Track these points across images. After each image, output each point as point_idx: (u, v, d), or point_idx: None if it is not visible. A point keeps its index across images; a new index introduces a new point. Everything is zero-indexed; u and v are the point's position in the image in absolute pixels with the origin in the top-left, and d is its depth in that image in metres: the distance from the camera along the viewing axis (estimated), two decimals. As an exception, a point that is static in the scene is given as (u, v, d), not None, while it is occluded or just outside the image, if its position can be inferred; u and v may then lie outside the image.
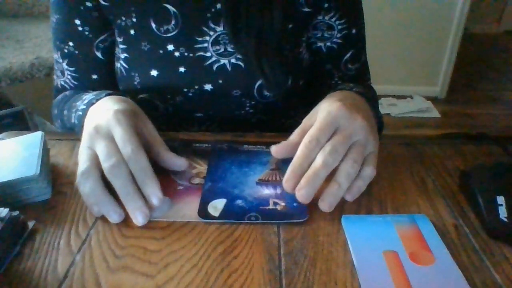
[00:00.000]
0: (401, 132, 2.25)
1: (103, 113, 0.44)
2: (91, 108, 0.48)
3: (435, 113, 2.43)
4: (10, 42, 1.29)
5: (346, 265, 0.36)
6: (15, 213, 0.38)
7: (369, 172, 0.43)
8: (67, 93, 0.64)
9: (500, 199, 0.40)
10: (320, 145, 0.42)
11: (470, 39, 3.20)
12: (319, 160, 0.41)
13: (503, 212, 0.39)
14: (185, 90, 0.59)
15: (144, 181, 0.41)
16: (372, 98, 0.53)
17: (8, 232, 0.37)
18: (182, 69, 0.58)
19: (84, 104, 0.51)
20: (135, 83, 0.60)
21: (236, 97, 0.60)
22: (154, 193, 0.41)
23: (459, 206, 0.43)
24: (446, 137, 0.58)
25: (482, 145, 0.54)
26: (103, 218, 0.41)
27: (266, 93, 0.60)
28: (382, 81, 2.52)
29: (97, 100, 0.49)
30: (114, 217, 0.40)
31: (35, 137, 0.48)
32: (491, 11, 3.65)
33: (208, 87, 0.59)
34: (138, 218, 0.40)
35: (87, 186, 0.40)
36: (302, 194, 0.41)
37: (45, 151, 0.47)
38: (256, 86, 0.59)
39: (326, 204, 0.41)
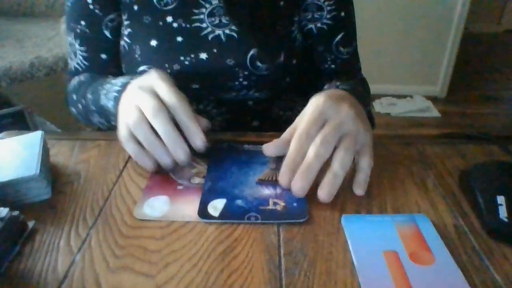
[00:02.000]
0: (401, 132, 2.25)
1: (145, 77, 0.48)
2: (129, 86, 0.50)
3: (435, 113, 2.43)
4: (10, 42, 1.29)
5: (346, 265, 0.36)
6: (15, 213, 0.38)
7: (367, 162, 0.44)
8: (82, 78, 0.67)
9: (500, 199, 0.40)
10: (310, 138, 0.43)
11: (470, 39, 3.20)
12: (311, 152, 0.42)
13: (503, 212, 0.39)
14: (182, 58, 0.61)
15: (187, 125, 0.45)
16: (361, 93, 0.55)
17: (8, 232, 0.37)
18: (179, 39, 0.61)
19: (118, 86, 0.54)
20: (136, 55, 0.63)
21: (230, 66, 0.62)
22: (198, 135, 0.45)
23: (459, 206, 0.43)
24: (446, 137, 0.58)
25: (482, 145, 0.54)
26: (103, 218, 0.41)
27: (259, 64, 0.62)
28: (382, 81, 2.52)
29: (132, 79, 0.52)
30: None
31: (35, 137, 0.48)
32: (491, 11, 3.65)
33: (203, 56, 0.61)
34: (179, 154, 0.44)
35: (140, 135, 0.44)
36: (298, 188, 0.42)
37: (45, 151, 0.47)
38: (249, 56, 0.62)
39: (324, 193, 0.42)
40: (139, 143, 0.46)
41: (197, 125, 0.46)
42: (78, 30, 0.65)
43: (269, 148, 0.48)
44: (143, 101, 0.45)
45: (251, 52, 0.61)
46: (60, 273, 0.35)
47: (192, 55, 0.61)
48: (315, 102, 0.45)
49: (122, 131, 0.46)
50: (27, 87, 1.25)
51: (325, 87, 0.59)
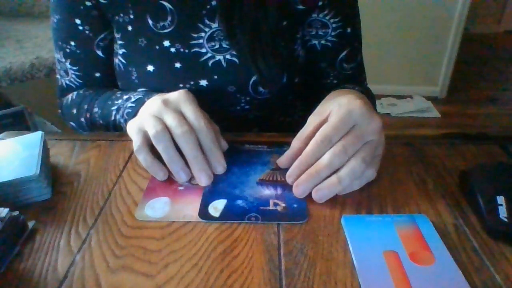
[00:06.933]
0: (401, 132, 2.25)
1: (171, 94, 0.48)
2: (151, 99, 0.49)
3: (435, 113, 2.43)
4: (10, 42, 1.29)
5: (346, 265, 0.36)
6: (15, 213, 0.38)
7: (370, 174, 0.43)
8: (81, 92, 0.65)
9: (500, 199, 0.40)
10: (331, 144, 0.42)
11: (470, 39, 3.20)
12: (325, 159, 0.41)
13: (503, 212, 0.39)
14: (181, 85, 0.60)
15: (212, 151, 0.46)
16: (371, 100, 0.53)
17: (8, 232, 0.37)
18: (178, 65, 0.59)
19: (132, 103, 0.54)
20: (133, 77, 0.61)
21: (231, 93, 0.60)
22: (220, 162, 0.46)
23: (459, 206, 0.43)
24: (446, 137, 0.58)
25: (482, 145, 0.54)
26: (103, 218, 0.41)
27: (261, 89, 0.60)
28: (382, 81, 2.52)
29: (146, 96, 0.53)
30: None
31: (35, 137, 0.48)
32: (491, 11, 3.65)
33: (203, 82, 0.59)
34: (202, 179, 0.45)
35: (160, 145, 0.44)
36: (299, 190, 0.42)
37: (45, 151, 0.47)
38: (251, 82, 0.59)
39: (317, 195, 0.42)
40: (151, 152, 0.45)
41: (221, 152, 0.47)
42: (68, 50, 0.62)
43: (283, 162, 0.47)
44: (169, 117, 0.45)
45: (253, 78, 0.59)
46: (60, 273, 0.35)
47: (192, 82, 0.59)
48: (348, 106, 0.42)
49: (136, 138, 0.46)
50: (27, 87, 1.25)
51: (341, 86, 0.57)
